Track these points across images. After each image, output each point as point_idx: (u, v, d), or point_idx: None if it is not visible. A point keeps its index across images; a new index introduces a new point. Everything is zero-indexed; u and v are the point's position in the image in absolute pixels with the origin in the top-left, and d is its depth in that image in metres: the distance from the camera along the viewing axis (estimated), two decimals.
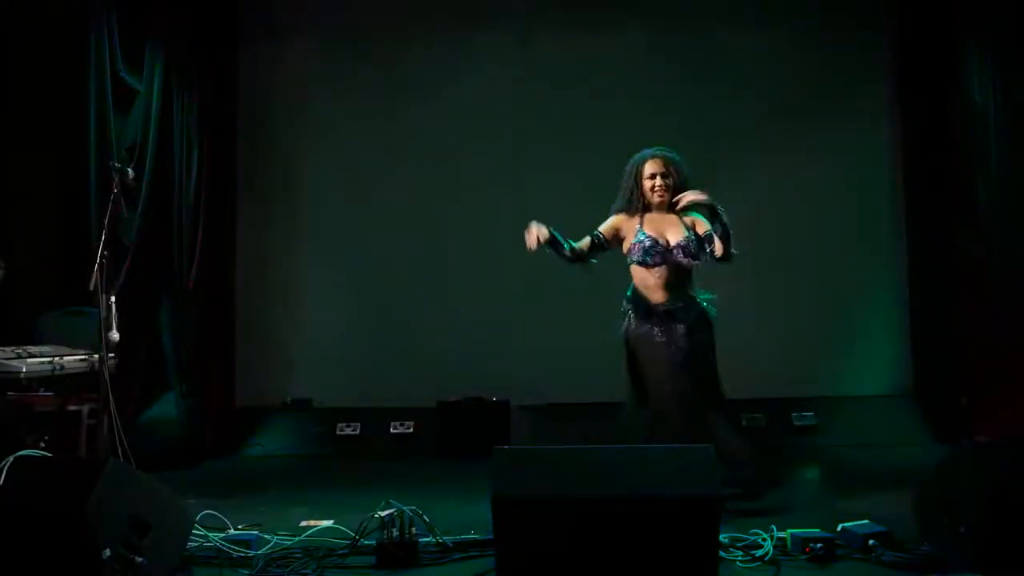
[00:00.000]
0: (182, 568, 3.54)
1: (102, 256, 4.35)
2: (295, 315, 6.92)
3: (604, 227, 4.36)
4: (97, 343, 4.49)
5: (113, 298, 4.53)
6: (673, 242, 4.26)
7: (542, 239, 4.13)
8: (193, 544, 3.69)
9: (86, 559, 3.13)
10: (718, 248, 4.18)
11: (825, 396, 6.58)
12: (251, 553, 3.67)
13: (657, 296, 4.27)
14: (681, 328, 4.22)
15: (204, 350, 6.32)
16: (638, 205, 4.32)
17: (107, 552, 3.15)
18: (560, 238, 4.21)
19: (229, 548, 3.70)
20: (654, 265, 4.26)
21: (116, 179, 4.68)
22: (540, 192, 6.68)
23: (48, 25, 6.14)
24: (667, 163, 4.32)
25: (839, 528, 3.71)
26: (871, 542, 3.56)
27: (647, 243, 4.25)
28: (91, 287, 4.31)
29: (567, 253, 4.24)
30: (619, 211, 4.39)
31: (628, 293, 4.37)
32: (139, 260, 6.00)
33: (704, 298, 4.34)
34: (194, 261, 6.25)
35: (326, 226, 6.92)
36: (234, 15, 6.77)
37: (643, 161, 4.35)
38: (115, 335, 4.51)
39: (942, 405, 6.32)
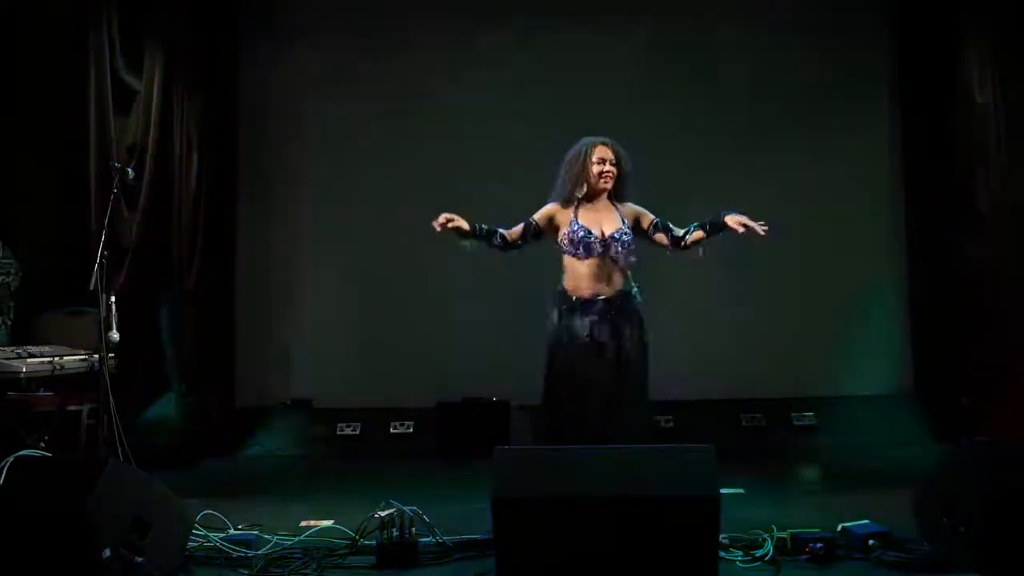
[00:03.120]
0: (182, 568, 3.54)
1: (102, 256, 4.35)
2: (295, 315, 6.91)
3: (539, 214, 4.27)
4: (97, 343, 4.50)
5: (113, 298, 4.54)
6: (607, 233, 4.17)
7: (442, 224, 4.07)
8: (193, 544, 3.69)
9: (86, 559, 3.13)
10: (695, 235, 4.12)
11: (825, 396, 6.59)
12: (251, 553, 3.67)
13: (588, 289, 4.16)
14: (611, 326, 4.12)
15: (204, 350, 6.32)
16: (581, 191, 4.21)
17: (107, 552, 3.15)
18: (484, 229, 4.17)
19: (229, 548, 3.70)
20: (586, 256, 4.16)
21: (116, 179, 4.69)
22: (540, 192, 6.67)
23: (48, 25, 6.14)
24: (615, 150, 4.24)
25: (839, 528, 3.71)
26: (871, 542, 3.56)
27: (580, 233, 4.15)
28: (91, 287, 4.32)
29: (497, 242, 4.19)
30: (555, 200, 4.29)
31: (558, 287, 4.25)
32: (139, 260, 6.01)
33: (635, 291, 4.22)
34: (194, 261, 6.25)
35: (326, 226, 6.92)
36: (234, 15, 6.78)
37: (592, 146, 4.25)
38: (115, 335, 4.51)
39: (942, 405, 6.32)
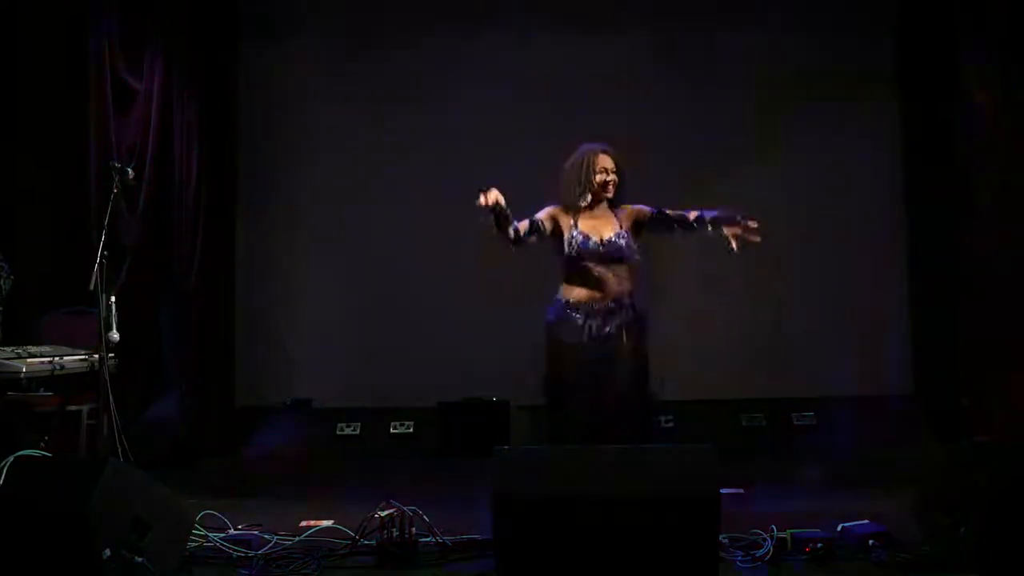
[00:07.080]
0: (182, 568, 3.54)
1: (102, 256, 4.35)
2: (295, 315, 6.91)
3: (542, 214, 4.25)
4: (97, 343, 4.50)
5: (113, 298, 4.54)
6: (606, 238, 4.18)
7: (493, 201, 4.00)
8: (193, 544, 3.69)
9: (86, 559, 3.13)
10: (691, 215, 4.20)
11: (825, 396, 6.58)
12: (251, 553, 3.67)
13: (587, 295, 4.16)
14: (612, 328, 4.11)
15: (204, 350, 6.32)
16: (586, 200, 4.20)
17: (107, 552, 3.15)
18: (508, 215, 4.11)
19: (229, 548, 3.70)
20: (586, 263, 4.16)
21: (116, 179, 4.69)
22: (540, 192, 6.67)
23: (48, 25, 6.14)
24: (615, 158, 4.25)
25: (839, 528, 3.71)
26: (871, 542, 3.56)
27: (579, 238, 4.16)
28: (91, 287, 4.32)
29: (511, 234, 4.11)
30: (558, 204, 4.29)
31: (558, 296, 4.25)
32: (139, 260, 6.01)
33: (637, 299, 4.23)
34: (194, 261, 6.25)
35: (326, 226, 6.92)
36: (234, 15, 6.77)
37: (594, 154, 4.24)
38: (115, 335, 4.51)
39: (942, 405, 6.32)
